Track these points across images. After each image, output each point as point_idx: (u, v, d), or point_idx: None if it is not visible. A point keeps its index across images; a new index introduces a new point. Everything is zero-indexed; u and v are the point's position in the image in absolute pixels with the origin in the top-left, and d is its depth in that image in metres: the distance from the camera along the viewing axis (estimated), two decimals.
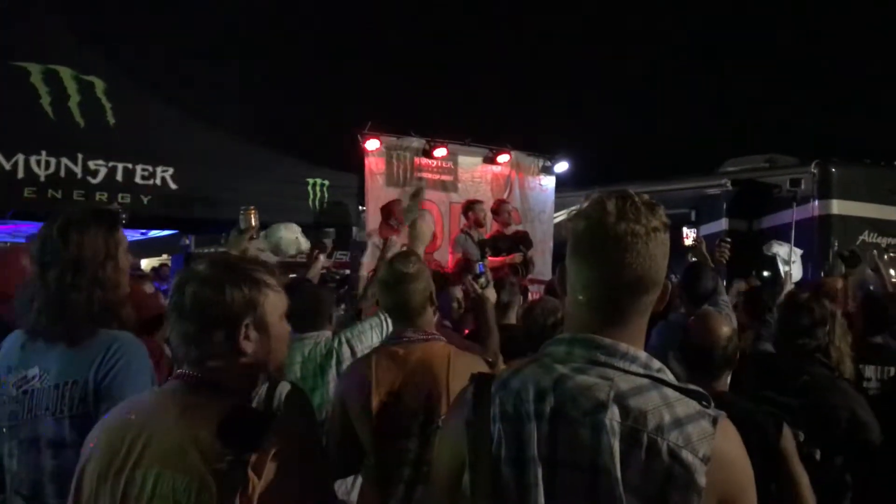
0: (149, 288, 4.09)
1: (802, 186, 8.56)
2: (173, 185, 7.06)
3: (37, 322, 1.96)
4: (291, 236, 4.91)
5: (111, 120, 6.89)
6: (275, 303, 1.52)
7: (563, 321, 1.41)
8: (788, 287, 4.49)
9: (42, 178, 6.44)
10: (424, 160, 8.21)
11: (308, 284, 4.21)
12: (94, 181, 6.65)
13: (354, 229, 8.15)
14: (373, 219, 7.50)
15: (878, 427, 2.89)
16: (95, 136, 6.75)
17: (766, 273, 7.99)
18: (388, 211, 6.93)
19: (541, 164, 9.12)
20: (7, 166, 6.29)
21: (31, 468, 1.92)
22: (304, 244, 5.02)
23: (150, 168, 6.89)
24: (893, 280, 6.24)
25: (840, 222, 9.43)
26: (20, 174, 6.36)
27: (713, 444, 1.16)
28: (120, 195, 6.68)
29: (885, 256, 7.14)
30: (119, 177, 6.76)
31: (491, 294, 3.93)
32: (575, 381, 1.22)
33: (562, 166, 9.29)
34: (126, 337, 1.97)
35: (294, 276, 4.96)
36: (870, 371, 3.83)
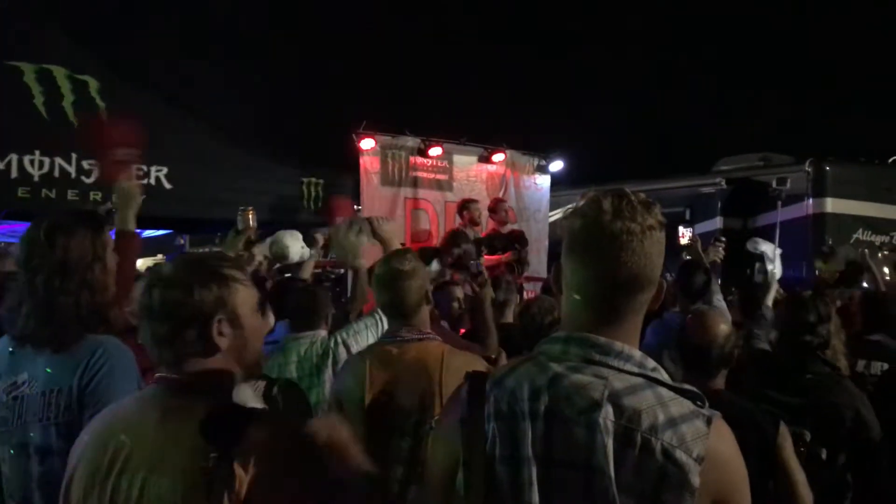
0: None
1: (788, 185, 8.58)
2: (168, 185, 7.05)
3: (25, 327, 1.96)
4: (296, 245, 4.96)
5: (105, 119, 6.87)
6: (245, 297, 1.49)
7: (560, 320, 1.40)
8: (774, 285, 4.48)
9: (36, 178, 6.43)
10: (419, 159, 8.21)
11: (304, 284, 4.21)
12: (87, 181, 6.63)
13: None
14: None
15: (878, 425, 2.89)
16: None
17: (750, 271, 8.00)
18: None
19: (536, 162, 9.13)
20: (1, 166, 6.28)
21: (20, 474, 1.91)
22: (306, 252, 5.07)
23: (145, 167, 6.88)
24: (887, 278, 6.26)
25: (834, 220, 9.46)
26: (14, 174, 6.36)
27: (707, 443, 1.16)
28: (114, 195, 6.64)
29: (879, 255, 7.16)
30: None
31: (489, 293, 3.93)
32: (570, 380, 1.22)
33: (557, 165, 9.30)
34: (111, 342, 1.96)
35: (289, 275, 4.96)
36: (860, 365, 3.86)
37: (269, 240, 5.07)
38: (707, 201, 10.45)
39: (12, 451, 1.93)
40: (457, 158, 8.54)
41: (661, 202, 1.34)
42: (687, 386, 1.24)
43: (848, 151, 10.64)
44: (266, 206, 6.83)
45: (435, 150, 8.23)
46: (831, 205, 9.49)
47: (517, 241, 7.38)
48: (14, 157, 6.35)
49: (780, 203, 8.47)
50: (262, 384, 2.01)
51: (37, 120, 6.54)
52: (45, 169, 6.46)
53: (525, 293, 6.77)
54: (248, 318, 1.50)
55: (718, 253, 4.99)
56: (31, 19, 6.77)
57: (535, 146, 9.33)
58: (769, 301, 4.29)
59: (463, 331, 4.27)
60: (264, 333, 1.59)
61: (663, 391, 1.21)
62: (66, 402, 1.88)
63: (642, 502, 1.13)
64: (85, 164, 6.61)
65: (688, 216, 10.25)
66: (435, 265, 4.90)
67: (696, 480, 1.13)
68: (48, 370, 1.91)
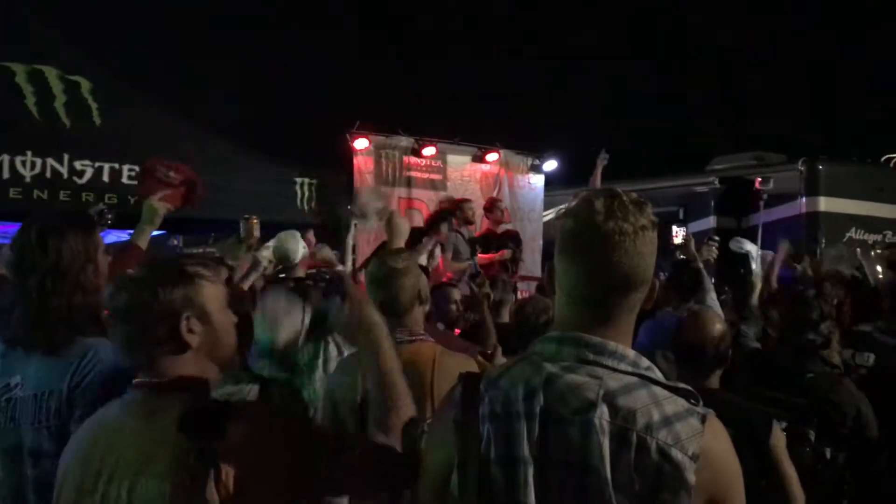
0: None
1: (771, 185, 8.59)
2: None
3: (17, 329, 1.95)
4: (299, 247, 4.97)
5: (97, 120, 6.86)
6: (213, 294, 1.50)
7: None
8: (759, 285, 4.51)
9: (28, 179, 6.41)
10: (413, 159, 8.20)
11: (296, 283, 4.19)
12: (80, 181, 6.62)
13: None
14: None
15: (876, 423, 2.90)
16: (81, 136, 6.70)
17: (744, 270, 8.02)
18: None
19: (530, 162, 9.13)
20: None
21: (14, 477, 1.91)
22: (305, 253, 5.08)
23: (137, 168, 6.85)
24: (879, 276, 6.29)
25: (827, 219, 9.49)
26: (5, 175, 6.34)
27: (702, 442, 1.16)
28: (107, 195, 6.64)
29: (872, 253, 7.19)
30: (105, 177, 6.73)
31: (487, 293, 3.93)
32: (564, 380, 1.22)
33: (550, 165, 9.30)
34: (102, 344, 1.95)
35: (283, 275, 4.95)
36: (847, 355, 3.87)
37: (271, 243, 5.07)
38: (700, 200, 10.46)
39: (5, 454, 1.92)
40: (451, 158, 8.54)
41: (654, 201, 1.34)
42: (681, 384, 1.24)
43: (841, 150, 10.69)
44: (259, 206, 6.81)
45: (429, 150, 8.23)
46: (824, 203, 9.52)
47: (511, 240, 7.39)
48: (6, 158, 6.33)
49: (762, 203, 8.47)
50: (255, 388, 2.01)
51: (29, 121, 6.52)
52: (37, 170, 6.44)
53: (519, 293, 6.77)
54: (217, 314, 1.50)
55: (712, 252, 5.01)
56: (22, 20, 6.75)
57: (529, 146, 9.34)
58: (754, 299, 4.31)
59: (458, 331, 4.26)
60: (234, 330, 1.58)
61: (658, 390, 1.21)
62: (56, 404, 1.87)
63: (638, 502, 1.14)
64: (77, 165, 6.59)
65: (681, 215, 10.26)
66: (423, 259, 4.86)
67: (691, 478, 1.14)
68: (39, 372, 1.90)
